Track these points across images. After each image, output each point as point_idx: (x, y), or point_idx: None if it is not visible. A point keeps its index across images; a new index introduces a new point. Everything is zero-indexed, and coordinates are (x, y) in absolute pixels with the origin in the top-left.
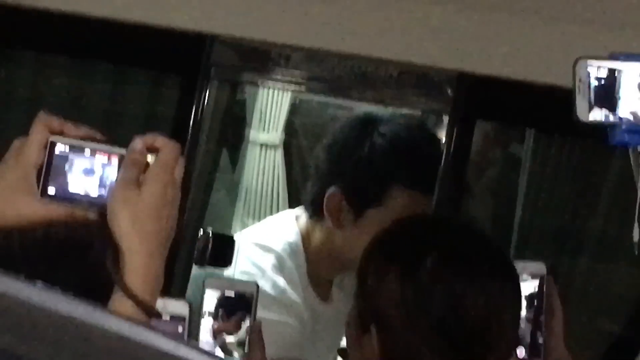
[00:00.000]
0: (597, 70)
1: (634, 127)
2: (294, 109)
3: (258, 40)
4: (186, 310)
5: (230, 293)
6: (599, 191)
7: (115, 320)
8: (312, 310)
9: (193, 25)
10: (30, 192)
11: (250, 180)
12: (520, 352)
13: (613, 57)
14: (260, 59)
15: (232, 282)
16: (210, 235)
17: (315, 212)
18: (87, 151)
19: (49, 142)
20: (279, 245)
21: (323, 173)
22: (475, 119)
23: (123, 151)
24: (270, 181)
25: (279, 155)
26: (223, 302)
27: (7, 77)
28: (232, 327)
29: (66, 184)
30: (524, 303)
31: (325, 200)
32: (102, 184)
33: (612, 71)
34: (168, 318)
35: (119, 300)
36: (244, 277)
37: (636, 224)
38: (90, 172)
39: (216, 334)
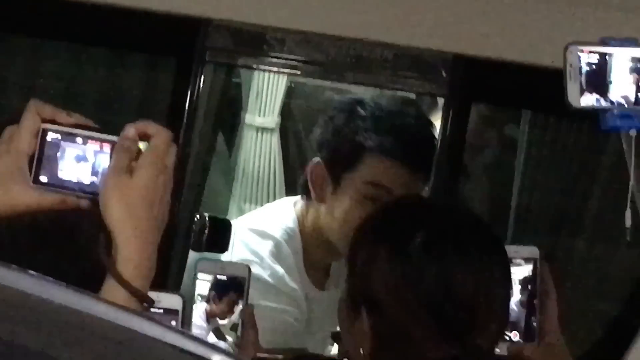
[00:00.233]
0: (587, 55)
1: (626, 112)
2: (290, 93)
3: (253, 24)
4: (179, 304)
5: (223, 276)
6: (596, 172)
7: (108, 307)
8: (308, 298)
9: (188, 9)
10: (22, 180)
11: (246, 165)
12: (515, 336)
13: (603, 42)
14: (256, 43)
15: (224, 265)
16: (207, 219)
17: (305, 190)
18: (79, 139)
19: (40, 129)
20: (277, 231)
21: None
22: (471, 101)
23: (115, 138)
24: (266, 165)
25: (275, 139)
26: (215, 285)
27: (2, 62)
28: (224, 311)
29: (58, 171)
30: (518, 287)
31: (308, 171)
32: (94, 172)
33: (603, 55)
34: (161, 311)
35: (111, 288)
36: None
37: (628, 210)
38: (82, 160)
39: (209, 317)
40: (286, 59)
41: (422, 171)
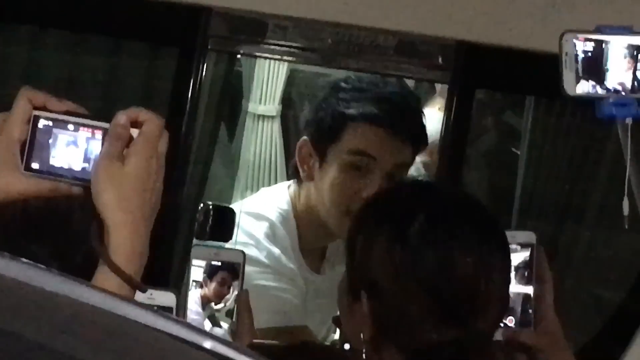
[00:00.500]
0: (583, 43)
1: (622, 100)
2: (291, 81)
3: (255, 12)
4: (173, 301)
5: (217, 262)
6: (600, 159)
7: (100, 295)
8: (305, 281)
9: None
10: (14, 167)
11: (247, 152)
12: (510, 322)
13: (599, 30)
14: (257, 30)
15: (218, 251)
16: (211, 207)
17: (295, 172)
18: (71, 125)
19: (32, 116)
20: (271, 213)
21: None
22: (474, 88)
23: (107, 125)
24: (267, 153)
25: (276, 127)
26: (210, 271)
27: (3, 51)
28: (219, 294)
29: (50, 158)
30: (514, 273)
31: (297, 150)
32: (86, 159)
33: (599, 43)
34: (155, 309)
35: (103, 275)
36: (238, 247)
37: (625, 198)
38: (74, 147)
39: (204, 303)
40: (288, 46)
41: (408, 139)
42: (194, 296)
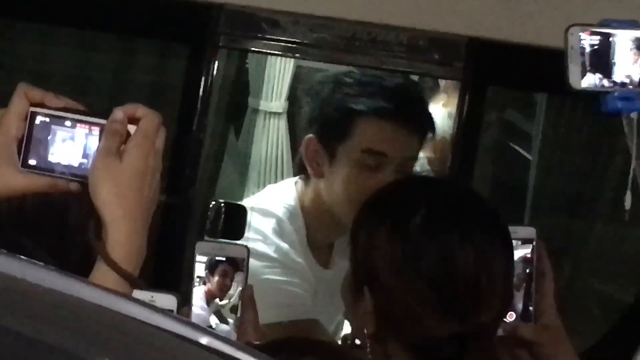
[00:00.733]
0: (589, 37)
1: (627, 94)
2: (298, 77)
3: (265, 9)
4: (174, 304)
5: (221, 257)
6: (612, 155)
7: (97, 290)
8: (314, 276)
9: None
10: (11, 163)
11: (254, 149)
12: (511, 316)
13: (604, 24)
14: (268, 27)
15: (222, 246)
16: (222, 205)
17: (301, 168)
18: (68, 122)
19: (29, 113)
20: (278, 209)
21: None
22: (487, 85)
23: (104, 121)
24: (274, 150)
25: (283, 124)
26: (214, 266)
27: (14, 48)
28: (223, 289)
29: (47, 154)
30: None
31: (302, 148)
32: (83, 155)
33: (605, 36)
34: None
35: (101, 271)
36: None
37: (628, 192)
38: (71, 143)
39: (209, 299)
40: (299, 43)
41: (416, 130)
42: (199, 292)
